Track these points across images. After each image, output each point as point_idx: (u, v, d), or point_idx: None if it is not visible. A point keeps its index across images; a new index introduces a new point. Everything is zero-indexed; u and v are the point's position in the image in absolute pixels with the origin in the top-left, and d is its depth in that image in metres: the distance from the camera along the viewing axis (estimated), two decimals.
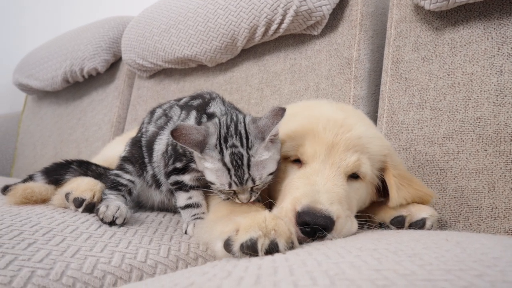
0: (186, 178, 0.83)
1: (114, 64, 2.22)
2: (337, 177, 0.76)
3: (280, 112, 0.72)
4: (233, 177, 0.72)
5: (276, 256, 0.52)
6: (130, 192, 0.89)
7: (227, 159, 0.71)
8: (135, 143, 0.94)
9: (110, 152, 1.26)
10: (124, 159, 0.93)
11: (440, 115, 1.04)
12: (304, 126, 0.82)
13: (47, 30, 3.19)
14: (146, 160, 0.91)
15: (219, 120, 0.76)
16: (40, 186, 0.95)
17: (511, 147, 0.91)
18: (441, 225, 0.99)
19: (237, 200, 0.76)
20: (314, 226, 0.68)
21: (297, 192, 0.74)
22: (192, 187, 0.85)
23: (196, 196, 0.86)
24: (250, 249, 0.55)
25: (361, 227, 0.81)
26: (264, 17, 1.39)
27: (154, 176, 0.91)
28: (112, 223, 0.79)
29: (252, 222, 0.58)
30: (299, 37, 1.45)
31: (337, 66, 1.31)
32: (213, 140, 0.72)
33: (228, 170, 0.71)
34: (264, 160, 0.73)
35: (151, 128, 0.92)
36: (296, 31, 1.41)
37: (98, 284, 0.60)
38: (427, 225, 0.80)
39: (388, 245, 0.52)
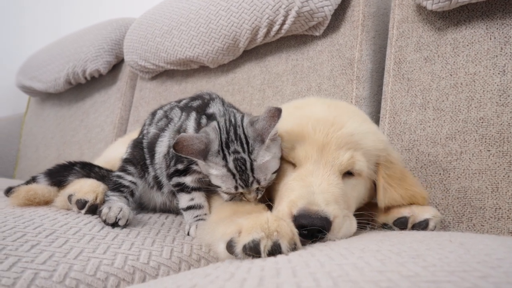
0: (188, 180, 0.84)
1: (116, 66, 2.22)
2: (331, 177, 0.76)
3: (276, 113, 0.72)
4: (239, 181, 0.72)
5: (279, 257, 0.52)
6: (132, 194, 0.90)
7: (231, 165, 0.71)
8: (137, 144, 0.95)
9: (113, 154, 1.27)
10: (126, 160, 0.93)
11: (442, 116, 1.04)
12: (294, 128, 0.81)
13: (47, 31, 3.19)
14: (148, 161, 0.91)
15: (218, 124, 0.76)
16: (43, 188, 0.95)
17: None
18: (444, 226, 0.99)
19: (244, 199, 0.77)
20: (312, 228, 0.67)
21: (292, 194, 0.74)
22: (194, 189, 0.85)
23: (198, 197, 0.86)
24: (252, 250, 0.55)
25: (364, 227, 0.81)
26: (266, 18, 1.39)
27: (155, 177, 0.91)
28: (114, 225, 0.79)
29: (254, 223, 0.58)
30: (301, 38, 1.45)
31: (339, 67, 1.31)
32: (215, 146, 0.73)
33: (233, 175, 0.72)
34: (266, 161, 0.73)
35: (152, 130, 0.93)
36: (298, 32, 1.40)
37: (101, 286, 0.60)
38: (430, 226, 0.80)
39: (391, 246, 0.52)
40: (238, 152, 0.72)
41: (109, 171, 1.02)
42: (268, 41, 1.49)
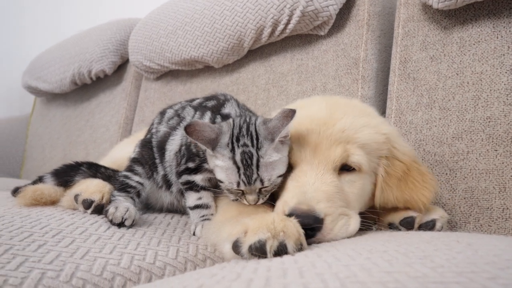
0: (198, 178, 0.84)
1: (121, 66, 2.23)
2: (325, 175, 0.76)
3: (290, 114, 0.73)
4: (242, 176, 0.72)
5: (285, 258, 0.52)
6: (138, 194, 0.90)
7: (238, 157, 0.72)
8: (145, 144, 0.95)
9: (118, 154, 1.27)
10: (134, 160, 0.93)
11: (449, 115, 1.03)
12: (292, 130, 0.81)
13: (47, 31, 3.20)
14: (157, 160, 0.91)
15: (233, 120, 0.77)
16: (49, 188, 0.95)
17: None
18: (451, 226, 0.98)
19: (244, 201, 0.76)
20: (304, 228, 0.67)
21: (286, 194, 0.75)
22: (203, 188, 0.85)
23: (206, 197, 0.86)
24: (258, 250, 0.55)
25: (370, 227, 0.80)
26: (270, 18, 1.39)
27: (165, 176, 0.91)
28: (121, 225, 0.79)
29: (260, 223, 0.58)
30: (305, 37, 1.45)
31: (344, 66, 1.31)
32: (225, 139, 0.73)
33: (238, 168, 0.72)
34: (273, 161, 0.73)
35: (163, 129, 0.93)
36: (303, 31, 1.40)
37: (108, 286, 0.60)
38: (437, 226, 0.79)
39: (398, 246, 0.52)
40: (246, 146, 0.72)
41: (115, 171, 1.02)
42: (272, 41, 1.49)
